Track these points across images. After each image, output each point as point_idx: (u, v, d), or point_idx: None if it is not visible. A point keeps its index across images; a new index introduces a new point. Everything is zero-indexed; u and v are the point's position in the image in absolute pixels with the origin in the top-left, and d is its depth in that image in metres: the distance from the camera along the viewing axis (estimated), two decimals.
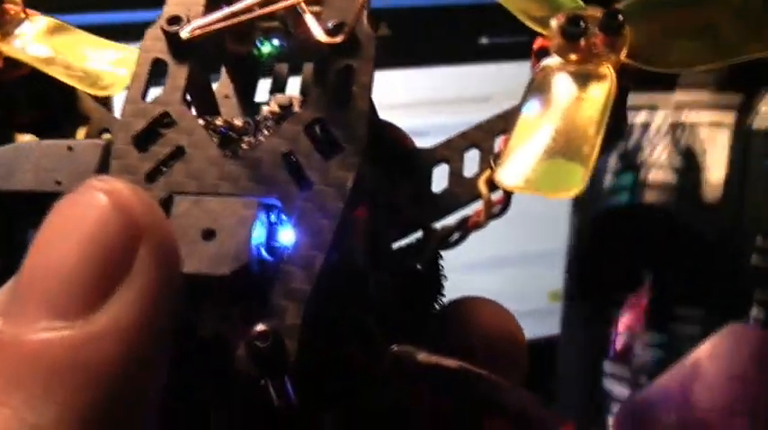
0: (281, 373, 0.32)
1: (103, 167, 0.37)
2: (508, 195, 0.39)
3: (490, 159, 0.40)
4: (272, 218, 0.35)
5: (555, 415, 0.34)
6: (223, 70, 0.44)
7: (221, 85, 0.44)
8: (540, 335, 0.95)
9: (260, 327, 0.32)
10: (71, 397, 0.28)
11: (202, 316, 0.34)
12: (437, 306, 0.41)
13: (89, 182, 0.31)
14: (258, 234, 0.34)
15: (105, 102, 0.45)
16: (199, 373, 0.36)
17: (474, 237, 0.41)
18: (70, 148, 0.38)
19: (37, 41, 0.43)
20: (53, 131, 0.43)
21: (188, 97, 0.38)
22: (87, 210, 0.30)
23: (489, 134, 0.41)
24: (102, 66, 0.42)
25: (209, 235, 0.34)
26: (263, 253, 0.34)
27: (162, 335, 0.30)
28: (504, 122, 0.41)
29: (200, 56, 0.39)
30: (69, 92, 0.44)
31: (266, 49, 0.43)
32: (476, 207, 0.40)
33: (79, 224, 0.30)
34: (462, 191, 0.40)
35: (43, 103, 0.44)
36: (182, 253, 0.33)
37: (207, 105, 0.40)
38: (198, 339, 0.34)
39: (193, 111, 0.38)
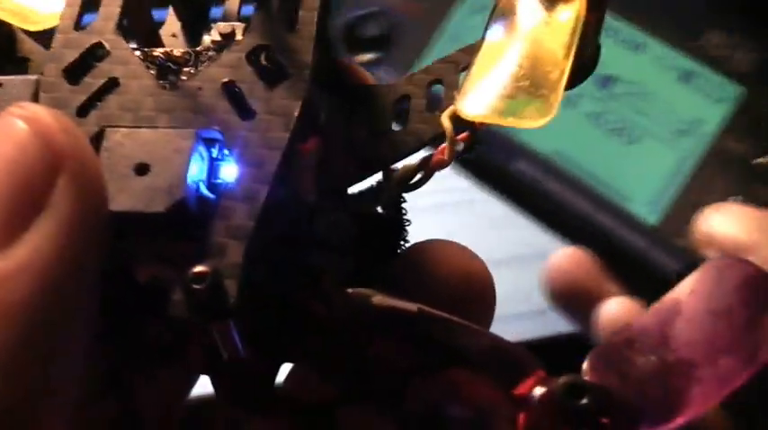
0: (222, 317, 0.30)
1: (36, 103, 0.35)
2: (474, 130, 0.36)
3: (454, 93, 0.37)
4: (214, 152, 0.33)
5: (526, 359, 0.32)
6: (170, 8, 0.42)
7: (168, 24, 0.41)
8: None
9: (197, 268, 0.29)
10: None
11: (137, 257, 0.31)
12: (401, 250, 0.38)
13: (8, 109, 0.29)
14: (197, 169, 0.32)
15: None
16: (135, 321, 0.34)
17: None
18: (0, 85, 0.35)
19: None
20: None
21: (124, 26, 0.36)
22: (3, 138, 0.28)
23: (454, 67, 0.38)
24: None
25: (142, 169, 0.31)
26: (203, 190, 0.32)
27: (84, 274, 0.28)
28: (470, 56, 0.38)
29: None
30: (7, 32, 0.41)
31: None
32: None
33: None
34: (425, 127, 0.38)
35: None
36: (112, 189, 0.30)
37: (146, 36, 0.38)
38: (132, 282, 0.32)
39: (132, 45, 0.36)
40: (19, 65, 0.41)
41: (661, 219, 0.64)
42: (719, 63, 0.66)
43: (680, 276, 0.31)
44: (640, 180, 0.66)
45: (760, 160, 0.64)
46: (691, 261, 0.62)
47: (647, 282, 0.63)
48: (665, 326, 0.31)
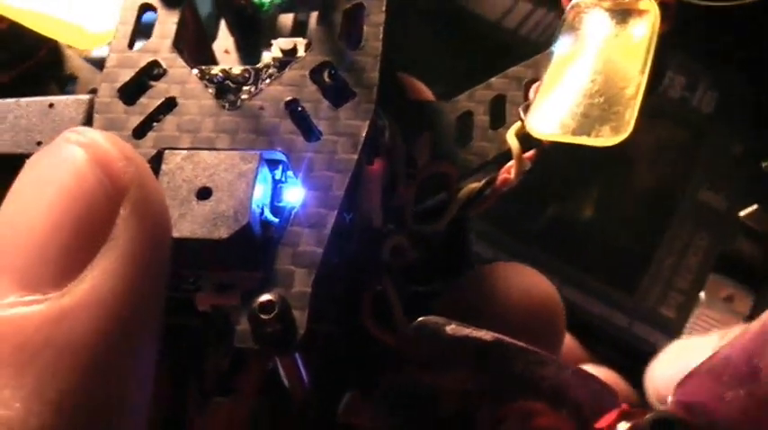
0: (290, 349, 0.28)
1: (89, 125, 0.33)
2: (541, 148, 0.35)
3: (519, 110, 0.36)
4: (277, 174, 0.31)
5: (607, 391, 0.30)
6: (223, 23, 0.40)
7: (221, 40, 0.40)
8: None
9: (264, 297, 0.28)
10: (44, 381, 0.24)
11: (199, 286, 0.30)
12: (464, 272, 0.36)
13: (63, 134, 0.27)
14: (261, 192, 0.30)
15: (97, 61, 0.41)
16: (198, 352, 0.33)
17: None
18: (51, 105, 0.34)
19: None
20: (37, 93, 0.39)
21: (180, 46, 0.34)
22: (61, 167, 0.26)
23: (517, 83, 0.37)
24: (86, 16, 0.38)
25: (204, 193, 0.30)
26: (268, 214, 0.30)
27: (149, 309, 0.26)
28: (534, 70, 0.36)
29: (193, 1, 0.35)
30: (54, 49, 0.40)
31: None
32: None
33: (51, 183, 0.26)
34: (489, 145, 0.36)
35: (24, 61, 0.40)
36: (173, 214, 0.29)
37: (201, 54, 0.36)
38: (195, 312, 0.31)
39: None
40: (65, 83, 0.40)
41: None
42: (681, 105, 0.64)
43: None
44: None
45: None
46: None
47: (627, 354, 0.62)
48: (754, 357, 0.29)
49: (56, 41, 0.40)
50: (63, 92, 0.40)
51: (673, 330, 0.60)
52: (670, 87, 0.64)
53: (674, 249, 0.62)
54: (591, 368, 0.56)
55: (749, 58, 0.64)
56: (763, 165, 0.61)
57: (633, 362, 0.60)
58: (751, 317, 0.59)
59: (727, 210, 0.62)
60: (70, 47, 0.40)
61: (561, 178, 0.64)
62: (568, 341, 0.59)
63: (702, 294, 0.60)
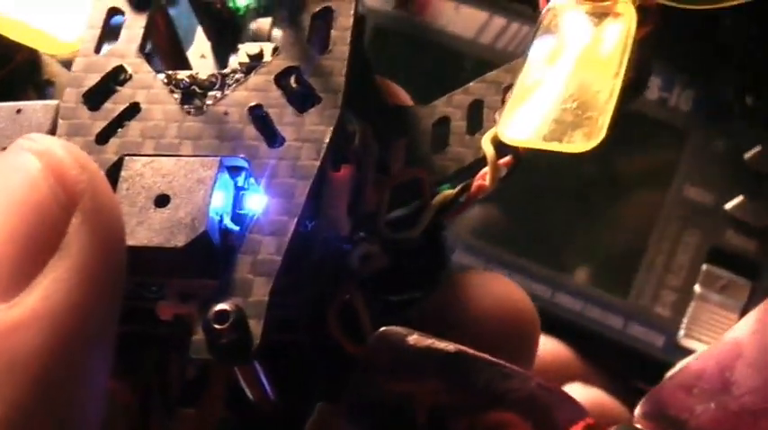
0: (245, 360, 0.28)
1: (55, 131, 0.33)
2: (517, 154, 0.34)
3: (496, 115, 0.35)
4: (240, 181, 0.31)
5: (572, 404, 0.29)
6: (199, 28, 0.40)
7: (197, 45, 0.40)
8: None
9: (219, 306, 0.27)
10: None
11: (162, 294, 0.30)
12: (440, 281, 0.36)
13: (17, 142, 0.27)
14: (221, 199, 0.30)
15: None
16: (157, 364, 0.32)
17: None
18: (19, 111, 0.34)
19: None
20: (14, 99, 0.39)
21: (148, 50, 0.34)
22: (13, 174, 0.26)
23: (495, 87, 0.36)
24: (60, 22, 0.37)
25: (162, 200, 0.29)
26: (228, 221, 0.30)
27: (101, 320, 0.26)
28: (513, 75, 0.36)
29: (163, 4, 0.35)
30: (31, 54, 0.40)
31: (243, 0, 0.38)
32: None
33: (3, 191, 0.26)
34: (466, 151, 0.35)
35: (1, 67, 0.40)
36: (130, 222, 0.29)
37: (175, 59, 0.36)
38: (159, 321, 0.30)
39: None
40: (43, 88, 0.40)
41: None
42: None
43: None
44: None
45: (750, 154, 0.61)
46: None
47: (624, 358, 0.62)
48: (726, 369, 0.28)
49: (33, 48, 0.39)
50: (41, 97, 0.40)
51: (668, 329, 0.59)
52: (647, 89, 0.63)
53: (664, 247, 0.61)
54: (580, 388, 0.55)
55: (724, 53, 0.63)
56: (746, 157, 0.60)
57: (630, 364, 0.60)
58: (748, 305, 0.59)
59: (714, 205, 0.61)
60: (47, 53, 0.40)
61: (542, 183, 0.63)
62: (564, 352, 0.59)
63: (697, 287, 0.59)
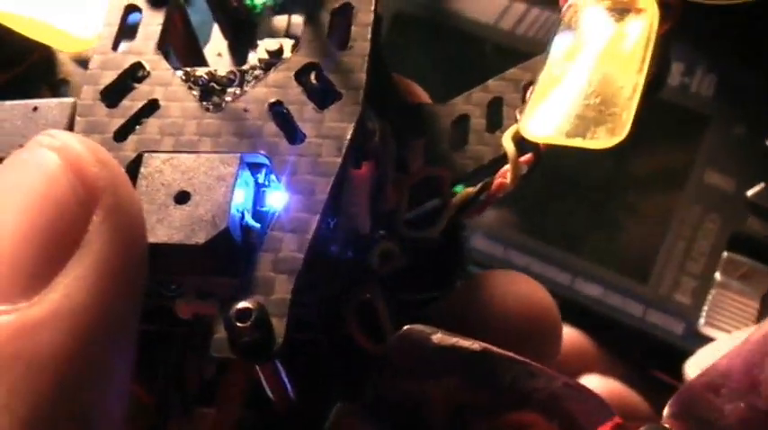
0: (267, 358, 0.27)
1: (72, 129, 0.33)
2: (538, 151, 0.34)
3: (516, 113, 0.35)
4: (260, 178, 0.30)
5: (600, 404, 0.29)
6: (215, 27, 0.40)
7: (213, 43, 0.39)
8: None
9: (240, 304, 0.27)
10: (14, 396, 0.23)
11: (182, 292, 0.29)
12: (459, 280, 0.35)
13: (36, 138, 0.27)
14: (242, 196, 0.29)
15: None
16: (177, 361, 0.32)
17: None
18: (35, 109, 0.34)
19: None
20: (29, 97, 0.38)
21: (167, 48, 0.34)
22: (32, 172, 0.26)
23: (514, 85, 0.36)
24: (75, 20, 0.37)
25: (182, 197, 0.29)
26: (249, 219, 0.29)
27: (123, 318, 0.26)
28: (532, 72, 0.35)
29: (180, 1, 0.35)
30: (45, 53, 0.39)
31: None
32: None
33: (22, 188, 0.25)
34: (485, 149, 0.35)
35: (15, 65, 0.39)
36: (150, 219, 0.28)
37: (192, 57, 0.36)
38: (178, 320, 0.30)
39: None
40: (57, 87, 0.39)
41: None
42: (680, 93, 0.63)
43: None
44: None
45: None
46: None
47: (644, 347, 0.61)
48: (754, 368, 0.28)
49: (47, 45, 0.39)
50: (55, 96, 0.40)
51: (689, 316, 0.59)
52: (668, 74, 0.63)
53: (684, 234, 0.60)
54: (596, 379, 0.54)
55: (745, 38, 0.62)
56: None
57: (649, 352, 0.59)
58: None
59: (735, 191, 0.60)
60: (62, 51, 0.40)
61: (563, 171, 0.63)
62: (583, 342, 0.58)
63: (718, 274, 0.59)
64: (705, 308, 0.58)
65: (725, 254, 0.59)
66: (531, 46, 0.36)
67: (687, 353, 0.53)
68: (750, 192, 0.60)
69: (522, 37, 0.64)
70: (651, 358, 0.59)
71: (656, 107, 0.62)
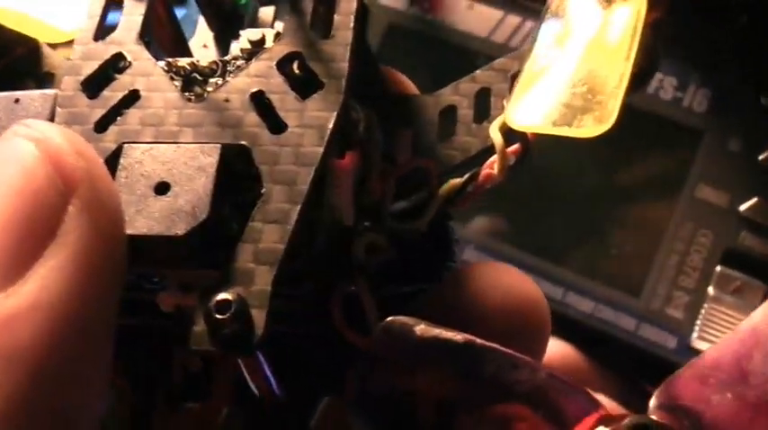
0: (248, 351, 0.27)
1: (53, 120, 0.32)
2: (526, 142, 0.33)
3: (504, 103, 0.34)
4: (240, 168, 0.30)
5: (585, 396, 0.28)
6: (201, 18, 0.39)
7: (198, 33, 0.39)
8: None
9: (220, 296, 0.26)
10: None
11: (164, 285, 0.29)
12: (446, 272, 0.35)
13: (13, 128, 0.26)
14: (223, 187, 0.29)
15: None
16: (166, 355, 0.32)
17: None
18: (17, 101, 0.33)
19: None
20: (14, 90, 0.38)
21: (149, 39, 0.33)
22: (8, 162, 0.25)
23: (503, 75, 0.35)
24: (61, 12, 0.37)
25: (162, 188, 0.28)
26: (229, 209, 0.29)
27: (100, 309, 0.25)
28: (520, 62, 0.35)
29: None
30: (32, 46, 0.39)
31: None
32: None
33: None
34: (473, 140, 0.35)
35: (1, 58, 0.39)
36: (130, 210, 0.28)
37: (173, 47, 0.35)
38: (161, 313, 0.29)
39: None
40: (43, 80, 0.39)
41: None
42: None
43: None
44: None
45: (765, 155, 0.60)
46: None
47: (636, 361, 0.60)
48: (743, 359, 0.27)
49: (34, 39, 0.39)
50: (40, 88, 0.39)
51: (681, 331, 0.59)
52: (661, 89, 0.62)
53: (677, 248, 0.60)
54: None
55: (739, 52, 0.62)
56: (760, 158, 0.60)
57: (641, 367, 0.59)
58: None
59: (728, 206, 0.60)
60: (49, 44, 0.39)
61: (554, 183, 0.62)
62: (573, 356, 0.58)
63: (711, 289, 0.58)
64: (698, 322, 0.58)
65: (718, 268, 0.59)
66: None
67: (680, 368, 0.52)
68: (743, 207, 0.60)
69: (515, 50, 0.64)
70: (644, 372, 0.58)
71: (649, 121, 0.62)
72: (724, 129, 0.62)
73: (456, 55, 0.66)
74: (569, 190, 0.64)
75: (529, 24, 0.65)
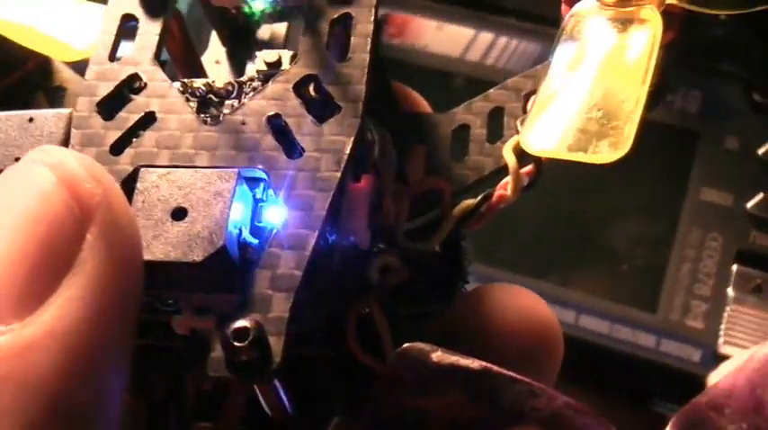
0: (265, 378, 0.27)
1: (68, 140, 0.32)
2: (539, 163, 0.34)
3: (517, 123, 0.34)
4: (258, 193, 0.30)
5: (600, 424, 0.28)
6: (214, 34, 0.39)
7: (212, 51, 0.39)
8: None
9: (238, 323, 0.26)
10: (5, 420, 0.23)
11: (178, 308, 0.29)
12: (459, 293, 0.35)
13: (29, 154, 0.26)
14: (239, 212, 0.29)
15: None
16: (179, 375, 0.32)
17: None
18: (31, 120, 0.33)
19: None
20: (26, 105, 0.38)
21: (164, 58, 0.33)
22: (26, 188, 0.25)
23: (516, 94, 0.35)
24: (73, 30, 0.37)
25: (179, 214, 0.28)
26: (246, 235, 0.29)
27: (116, 337, 0.25)
28: (534, 81, 0.35)
29: (178, 10, 0.34)
30: (42, 60, 0.39)
31: (258, 5, 0.37)
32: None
33: (15, 206, 0.25)
34: (486, 159, 0.35)
35: (12, 73, 0.39)
36: (147, 235, 0.28)
37: (190, 66, 0.35)
38: (175, 335, 0.29)
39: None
40: (54, 94, 0.39)
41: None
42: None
43: None
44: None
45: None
46: None
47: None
48: (758, 388, 0.27)
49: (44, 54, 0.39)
50: (52, 103, 0.39)
51: (704, 341, 0.57)
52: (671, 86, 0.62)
53: (688, 255, 0.59)
54: None
55: (727, 50, 0.62)
56: (760, 153, 0.59)
57: (667, 384, 0.58)
58: None
59: (734, 205, 0.59)
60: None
61: (552, 204, 0.62)
62: None
63: (730, 290, 0.57)
64: (722, 326, 0.57)
65: (735, 267, 0.58)
66: (503, 75, 0.35)
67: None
68: (750, 204, 0.59)
69: (491, 67, 0.63)
70: (670, 391, 0.57)
71: (644, 128, 0.61)
72: (719, 128, 0.62)
73: (432, 78, 0.65)
74: (571, 210, 0.63)
75: (503, 40, 0.64)
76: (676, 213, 0.60)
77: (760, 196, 0.59)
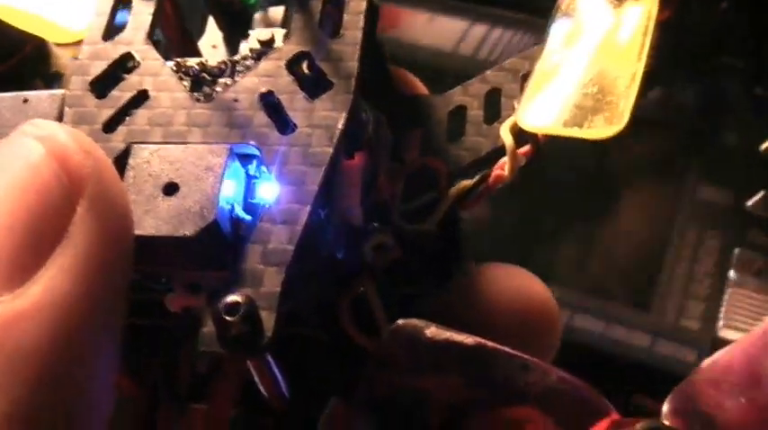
0: (257, 352, 0.27)
1: (61, 120, 0.32)
2: (536, 143, 0.33)
3: (515, 103, 0.34)
4: (251, 169, 0.30)
5: (596, 400, 0.28)
6: (211, 19, 0.39)
7: (207, 33, 0.39)
8: None
9: (229, 298, 0.26)
10: None
11: (171, 286, 0.29)
12: (456, 273, 0.35)
13: (20, 127, 0.26)
14: (231, 188, 0.29)
15: None
16: (172, 355, 0.31)
17: None
18: (26, 101, 0.33)
19: None
20: (22, 90, 0.38)
21: (158, 39, 0.33)
22: (15, 161, 0.25)
23: (513, 75, 0.35)
24: (70, 12, 0.37)
25: (170, 189, 0.28)
26: (239, 211, 0.29)
27: (107, 310, 0.25)
28: (531, 62, 0.35)
29: None
30: (40, 45, 0.39)
31: None
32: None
33: (5, 178, 0.25)
34: (483, 140, 0.34)
35: (9, 58, 0.39)
36: (138, 211, 0.28)
37: (181, 46, 0.35)
38: (167, 314, 0.29)
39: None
40: (51, 80, 0.39)
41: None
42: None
43: None
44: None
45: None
46: None
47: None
48: (755, 363, 0.27)
49: (42, 38, 0.39)
50: (49, 88, 0.39)
51: (698, 343, 0.56)
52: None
53: (684, 255, 0.58)
54: None
55: (725, 43, 0.61)
56: (761, 149, 0.58)
57: (661, 386, 0.57)
58: None
59: (733, 204, 0.58)
60: (57, 44, 0.39)
61: (543, 200, 0.61)
62: None
63: (732, 272, 0.56)
64: (723, 307, 0.56)
65: (737, 251, 0.57)
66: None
67: None
68: (750, 203, 0.58)
69: (483, 61, 0.62)
70: (663, 392, 0.57)
71: (637, 124, 0.60)
72: (718, 124, 0.60)
73: (419, 72, 0.64)
74: (564, 205, 0.62)
75: (497, 33, 0.63)
76: (673, 212, 0.59)
77: (760, 194, 0.58)
